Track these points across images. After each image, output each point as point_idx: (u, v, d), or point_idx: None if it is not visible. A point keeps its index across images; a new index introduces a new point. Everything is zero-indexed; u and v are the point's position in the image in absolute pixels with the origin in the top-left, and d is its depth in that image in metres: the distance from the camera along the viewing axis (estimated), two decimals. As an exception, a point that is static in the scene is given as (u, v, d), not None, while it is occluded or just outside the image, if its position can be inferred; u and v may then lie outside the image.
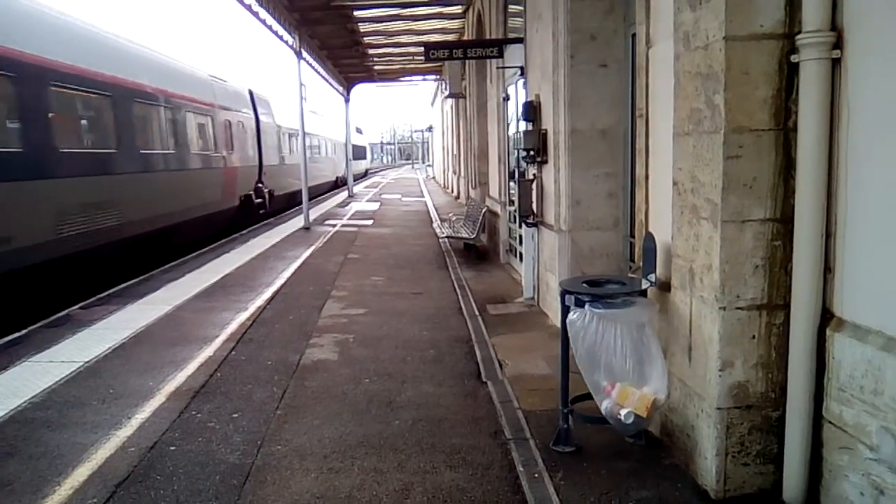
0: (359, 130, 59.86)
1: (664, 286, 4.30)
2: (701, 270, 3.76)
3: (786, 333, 3.55)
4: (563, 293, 4.25)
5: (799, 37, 3.35)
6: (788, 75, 3.45)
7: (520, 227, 9.59)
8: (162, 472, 4.23)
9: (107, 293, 9.74)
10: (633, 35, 6.32)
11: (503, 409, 5.15)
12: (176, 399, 5.47)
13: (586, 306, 4.03)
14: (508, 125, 11.55)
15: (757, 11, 3.45)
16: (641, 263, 4.49)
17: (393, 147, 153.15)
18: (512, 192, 11.08)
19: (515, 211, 9.29)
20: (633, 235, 6.46)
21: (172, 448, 4.57)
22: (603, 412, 4.06)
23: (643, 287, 4.25)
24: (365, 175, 61.80)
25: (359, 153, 55.41)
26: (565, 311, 4.23)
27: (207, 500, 3.89)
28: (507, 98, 11.35)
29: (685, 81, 3.93)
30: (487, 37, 13.00)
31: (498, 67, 11.39)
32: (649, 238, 4.36)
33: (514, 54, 10.06)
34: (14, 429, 4.93)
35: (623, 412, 3.94)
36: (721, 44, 3.48)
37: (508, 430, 4.76)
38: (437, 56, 10.72)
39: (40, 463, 4.38)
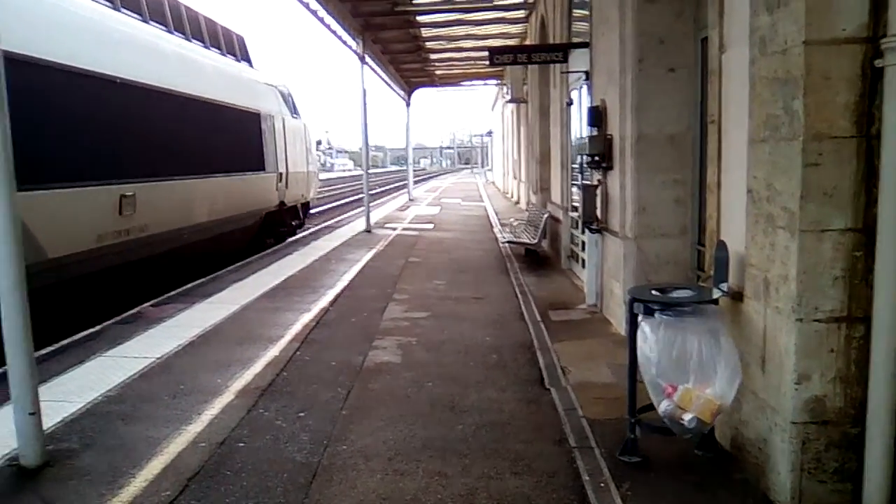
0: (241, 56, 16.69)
1: (736, 296, 4.20)
2: (776, 281, 3.67)
3: (866, 347, 3.43)
4: (632, 301, 4.20)
5: (883, 41, 3.24)
6: (872, 80, 3.35)
7: (582, 233, 9.52)
8: (231, 467, 4.33)
9: (175, 292, 10.02)
10: (704, 39, 6.23)
11: (567, 416, 5.11)
12: (244, 397, 5.59)
13: (656, 314, 3.98)
14: (571, 130, 11.46)
15: (838, 15, 3.36)
16: (712, 272, 4.40)
17: (452, 151, 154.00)
18: (574, 197, 11.01)
19: (578, 217, 9.22)
20: (701, 243, 6.36)
21: (241, 444, 4.67)
22: (660, 413, 4.01)
23: (715, 296, 4.17)
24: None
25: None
26: (633, 318, 4.18)
27: (276, 496, 3.96)
28: (570, 103, 11.28)
29: (761, 87, 3.84)
30: (551, 41, 12.95)
31: (562, 72, 11.32)
32: (721, 246, 4.28)
33: (578, 58, 10.00)
34: (91, 421, 5.11)
35: (686, 417, 3.87)
36: (800, 48, 3.40)
37: (573, 438, 4.72)
38: (501, 61, 10.72)
39: (116, 455, 4.52)
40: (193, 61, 13.11)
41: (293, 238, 17.67)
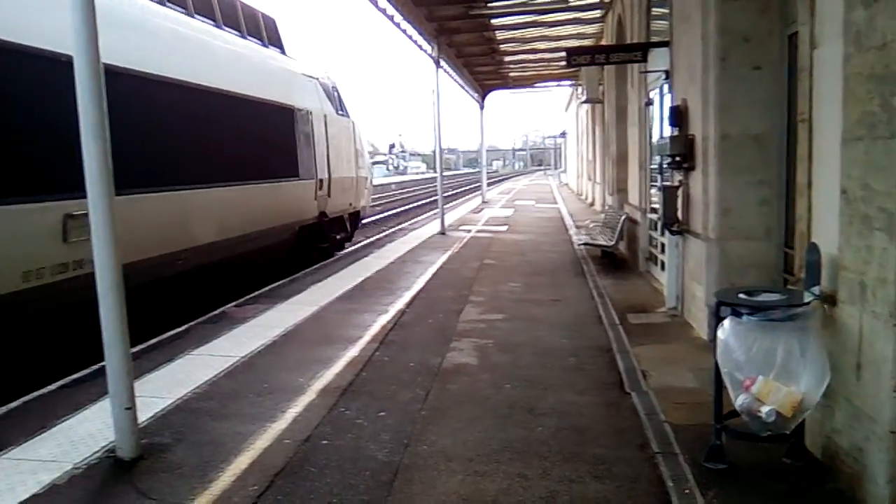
0: None
1: (829, 299, 4.05)
2: (873, 284, 3.52)
3: (972, 354, 3.27)
4: (718, 304, 4.10)
5: None
6: (979, 75, 3.19)
7: (662, 234, 9.35)
8: (315, 464, 4.42)
9: (257, 293, 10.29)
10: (791, 35, 6.06)
11: (649, 421, 5.02)
12: (325, 396, 5.71)
13: (744, 318, 3.88)
14: (650, 130, 11.28)
15: (941, 7, 3.21)
16: (803, 275, 4.27)
17: (525, 153, 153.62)
18: (653, 199, 10.82)
19: (658, 218, 9.06)
20: (788, 245, 6.18)
21: (324, 442, 4.77)
22: (737, 407, 3.92)
23: (806, 300, 4.04)
24: None
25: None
26: (719, 323, 4.08)
27: (359, 494, 4.03)
28: (649, 103, 11.10)
29: (856, 84, 3.71)
30: (628, 40, 12.77)
31: (640, 72, 11.15)
32: (813, 249, 4.14)
33: (657, 58, 9.84)
34: (181, 417, 5.31)
35: (764, 409, 3.77)
36: (900, 42, 3.26)
37: (655, 443, 4.64)
38: (579, 62, 10.66)
39: (205, 450, 4.68)
40: (197, 41, 10.34)
41: (369, 240, 17.88)
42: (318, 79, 15.17)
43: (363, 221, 24.07)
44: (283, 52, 13.87)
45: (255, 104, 11.68)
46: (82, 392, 5.84)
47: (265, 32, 13.09)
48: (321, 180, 14.50)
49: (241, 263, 11.44)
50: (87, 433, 4.96)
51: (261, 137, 11.80)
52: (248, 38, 12.34)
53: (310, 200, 14.09)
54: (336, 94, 16.16)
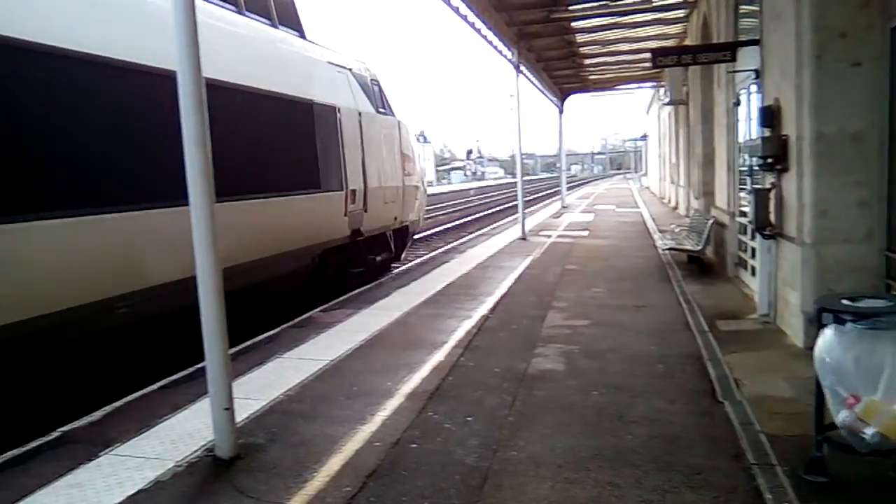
0: None
1: (940, 306, 3.86)
2: None
3: None
4: (820, 310, 3.96)
5: None
6: None
7: (752, 238, 9.08)
8: (406, 467, 4.48)
9: (343, 298, 10.49)
10: (894, 29, 5.81)
11: (743, 431, 4.88)
12: (413, 400, 5.77)
13: (847, 325, 3.73)
14: (739, 132, 10.96)
15: None
16: (910, 280, 4.07)
17: (604, 157, 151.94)
18: (742, 202, 10.51)
19: (749, 221, 8.79)
20: (891, 249, 5.92)
21: (414, 446, 4.82)
22: (838, 423, 3.79)
23: (915, 307, 3.86)
24: None
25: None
26: (819, 330, 3.93)
27: (450, 498, 4.06)
28: (737, 103, 10.80)
29: (970, 78, 3.52)
30: (714, 40, 12.46)
31: (728, 71, 10.85)
32: (922, 252, 3.95)
33: (745, 57, 9.57)
34: (274, 418, 5.46)
35: (868, 430, 3.62)
36: None
37: (751, 453, 4.51)
38: (664, 63, 10.43)
39: (299, 450, 4.81)
40: (159, 11, 6.24)
41: (451, 245, 17.95)
42: (350, 70, 12.52)
43: (430, 232, 23.98)
44: (301, 35, 11.11)
45: (253, 96, 9.04)
46: (180, 393, 6.08)
47: (275, 9, 10.36)
48: (353, 191, 11.83)
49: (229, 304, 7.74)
50: (187, 432, 5.16)
51: (267, 139, 9.40)
52: (247, 14, 9.57)
53: (337, 217, 11.42)
54: (376, 88, 13.59)
